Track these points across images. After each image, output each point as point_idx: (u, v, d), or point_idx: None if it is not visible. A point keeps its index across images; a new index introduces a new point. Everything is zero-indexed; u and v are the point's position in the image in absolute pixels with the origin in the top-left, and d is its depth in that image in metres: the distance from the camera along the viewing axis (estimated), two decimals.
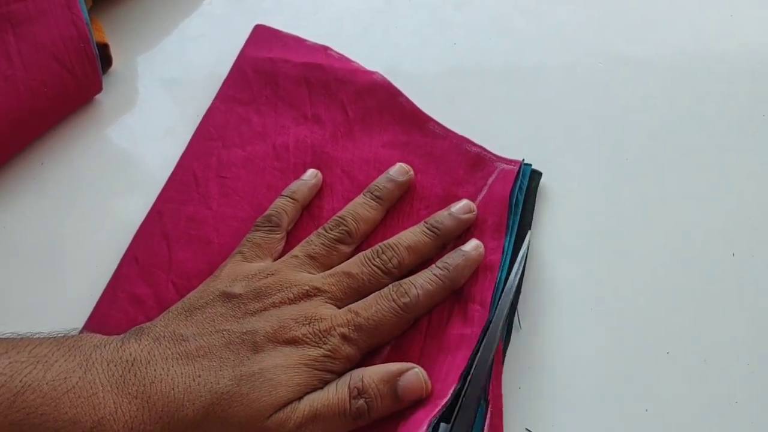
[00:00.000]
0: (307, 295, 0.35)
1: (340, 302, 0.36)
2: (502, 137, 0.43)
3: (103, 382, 0.28)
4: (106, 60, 0.51)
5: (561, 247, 0.39)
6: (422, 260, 0.38)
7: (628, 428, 0.33)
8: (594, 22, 0.50)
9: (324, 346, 0.33)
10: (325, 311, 0.34)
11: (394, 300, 0.35)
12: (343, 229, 0.38)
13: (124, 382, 0.28)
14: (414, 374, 0.32)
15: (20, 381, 0.27)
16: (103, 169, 0.46)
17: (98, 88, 0.50)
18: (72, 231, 0.44)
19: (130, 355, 0.30)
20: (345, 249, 0.38)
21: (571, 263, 0.39)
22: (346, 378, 0.32)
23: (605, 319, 0.36)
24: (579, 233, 0.40)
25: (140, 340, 0.32)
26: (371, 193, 0.40)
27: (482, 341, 0.33)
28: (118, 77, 0.52)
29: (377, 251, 0.37)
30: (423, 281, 0.35)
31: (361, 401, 0.31)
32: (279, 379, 0.31)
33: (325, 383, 0.32)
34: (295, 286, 0.35)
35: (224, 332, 0.33)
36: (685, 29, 0.49)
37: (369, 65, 0.48)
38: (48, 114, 0.48)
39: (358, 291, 0.36)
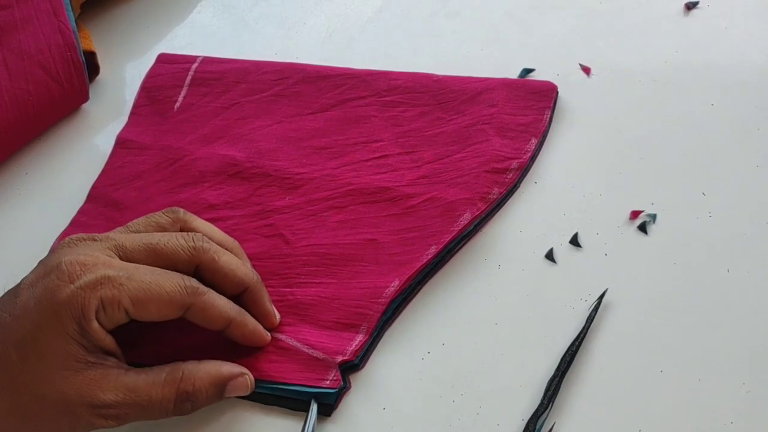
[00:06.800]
0: (93, 239, 0.32)
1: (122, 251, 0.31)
2: None
3: None
4: (93, 68, 0.51)
5: None
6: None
7: None
8: (584, 31, 0.49)
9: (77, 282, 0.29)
10: (97, 254, 0.30)
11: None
12: (170, 215, 0.34)
13: None
14: (243, 381, 0.31)
15: None
16: (90, 180, 0.46)
17: (85, 97, 0.49)
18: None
19: None
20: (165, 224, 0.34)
21: None
22: (176, 374, 0.30)
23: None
24: None
25: None
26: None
27: None
28: (106, 86, 0.51)
29: (192, 236, 0.33)
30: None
31: (188, 403, 0.30)
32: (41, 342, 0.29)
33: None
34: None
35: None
36: (674, 38, 0.48)
37: None
38: (33, 123, 0.47)
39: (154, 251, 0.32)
